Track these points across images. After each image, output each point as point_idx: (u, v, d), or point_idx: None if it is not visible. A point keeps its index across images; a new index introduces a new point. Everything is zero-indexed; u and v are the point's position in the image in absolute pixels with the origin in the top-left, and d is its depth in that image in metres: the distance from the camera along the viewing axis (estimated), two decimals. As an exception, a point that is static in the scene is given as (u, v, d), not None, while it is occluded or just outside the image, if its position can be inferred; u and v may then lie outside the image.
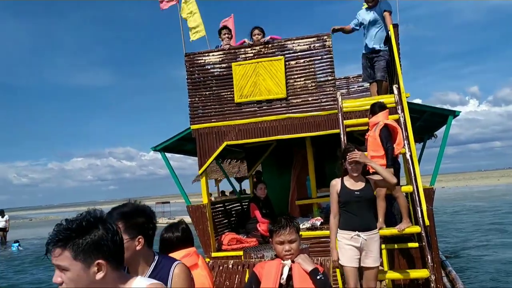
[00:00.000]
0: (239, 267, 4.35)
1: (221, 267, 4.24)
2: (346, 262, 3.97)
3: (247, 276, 4.13)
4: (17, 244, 20.35)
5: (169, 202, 32.80)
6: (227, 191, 21.74)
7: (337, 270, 4.53)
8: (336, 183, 4.15)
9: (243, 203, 9.00)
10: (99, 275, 1.53)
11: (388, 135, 5.03)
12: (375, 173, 4.31)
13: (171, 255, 2.60)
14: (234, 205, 8.78)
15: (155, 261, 2.30)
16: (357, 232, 3.96)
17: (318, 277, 2.70)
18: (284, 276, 2.70)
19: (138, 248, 2.23)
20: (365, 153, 4.63)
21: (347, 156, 4.04)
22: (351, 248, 3.96)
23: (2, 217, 23.23)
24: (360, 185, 4.09)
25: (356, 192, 4.02)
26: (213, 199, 11.30)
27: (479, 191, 45.32)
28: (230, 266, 4.04)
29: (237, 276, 4.24)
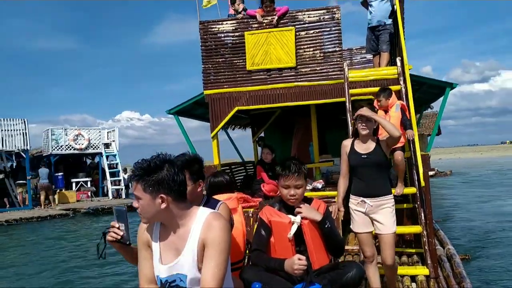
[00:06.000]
0: (258, 216, 4.75)
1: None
2: (357, 229, 3.77)
3: None
4: None
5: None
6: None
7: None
8: (347, 144, 3.85)
9: (247, 167, 9.48)
10: (162, 206, 1.95)
11: (403, 112, 5.46)
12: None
13: (215, 197, 3.05)
14: (239, 168, 9.26)
15: (204, 201, 2.81)
16: (362, 198, 3.73)
17: (326, 226, 2.80)
18: (291, 233, 2.78)
19: (199, 190, 2.72)
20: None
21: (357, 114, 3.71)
22: (358, 214, 3.76)
23: (126, 173, 22.93)
24: (369, 148, 3.75)
25: (363, 156, 3.72)
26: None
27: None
28: (250, 215, 4.46)
29: (256, 223, 4.65)
